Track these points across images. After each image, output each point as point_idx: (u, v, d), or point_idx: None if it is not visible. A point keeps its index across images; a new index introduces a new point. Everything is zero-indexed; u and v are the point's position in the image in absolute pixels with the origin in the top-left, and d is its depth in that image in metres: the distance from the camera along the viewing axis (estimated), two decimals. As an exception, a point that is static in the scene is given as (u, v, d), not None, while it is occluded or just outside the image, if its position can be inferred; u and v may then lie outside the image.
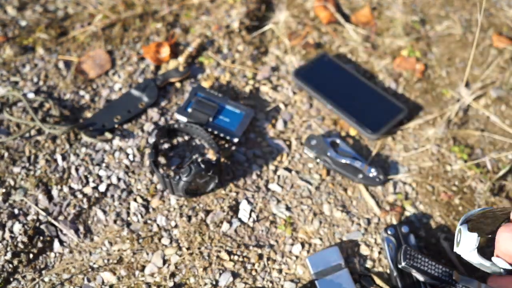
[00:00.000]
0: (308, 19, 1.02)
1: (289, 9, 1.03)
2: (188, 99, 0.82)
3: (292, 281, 0.66)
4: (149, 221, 0.71)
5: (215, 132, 0.78)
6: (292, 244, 0.69)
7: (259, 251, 0.69)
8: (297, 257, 0.68)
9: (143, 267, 0.67)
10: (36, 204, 0.72)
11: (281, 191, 0.75)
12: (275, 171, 0.77)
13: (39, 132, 0.80)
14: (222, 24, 0.98)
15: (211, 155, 0.78)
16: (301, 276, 0.66)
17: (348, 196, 0.75)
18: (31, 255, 0.67)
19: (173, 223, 0.71)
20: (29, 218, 0.70)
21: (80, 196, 0.73)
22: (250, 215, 0.72)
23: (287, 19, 1.00)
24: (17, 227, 0.69)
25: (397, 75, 0.93)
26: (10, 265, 0.66)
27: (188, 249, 0.68)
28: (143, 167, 0.76)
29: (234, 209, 0.73)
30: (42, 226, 0.69)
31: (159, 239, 0.69)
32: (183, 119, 0.80)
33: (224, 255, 0.68)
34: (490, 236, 0.46)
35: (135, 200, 0.73)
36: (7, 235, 0.68)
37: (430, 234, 0.71)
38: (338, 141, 0.79)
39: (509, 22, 1.04)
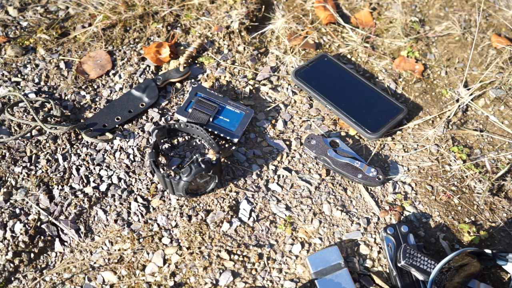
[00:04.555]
0: (308, 19, 1.02)
1: (289, 10, 1.03)
2: (188, 99, 0.82)
3: (292, 280, 0.66)
4: (149, 221, 0.71)
5: (215, 132, 0.79)
6: (292, 244, 0.70)
7: (259, 250, 0.69)
8: (297, 256, 0.69)
9: (144, 266, 0.67)
10: (37, 204, 0.72)
11: (281, 191, 0.75)
12: (275, 171, 0.77)
13: (40, 132, 0.80)
14: (222, 24, 0.98)
15: (211, 155, 0.78)
16: (301, 276, 0.67)
17: (347, 195, 0.75)
18: (32, 255, 0.67)
19: (173, 223, 0.71)
20: (30, 217, 0.70)
21: (81, 195, 0.73)
22: (250, 215, 0.72)
23: (287, 19, 1.00)
24: (18, 227, 0.69)
25: (397, 76, 0.93)
26: (11, 265, 0.66)
27: (188, 248, 0.69)
28: (144, 167, 0.77)
29: (234, 209, 0.73)
30: (43, 226, 0.70)
31: (160, 239, 0.69)
32: (183, 119, 0.80)
33: (224, 254, 0.68)
34: None
35: (135, 200, 0.73)
36: (8, 234, 0.68)
37: (429, 234, 0.71)
38: (337, 141, 0.79)
39: (508, 22, 1.04)
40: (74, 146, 0.79)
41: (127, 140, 0.80)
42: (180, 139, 0.81)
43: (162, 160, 0.77)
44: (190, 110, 0.80)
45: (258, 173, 0.77)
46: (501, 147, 0.83)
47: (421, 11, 1.08)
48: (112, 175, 0.76)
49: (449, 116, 0.86)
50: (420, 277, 0.64)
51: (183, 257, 0.68)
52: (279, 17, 1.02)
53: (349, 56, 0.96)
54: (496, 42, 0.99)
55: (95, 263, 0.67)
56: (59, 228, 0.70)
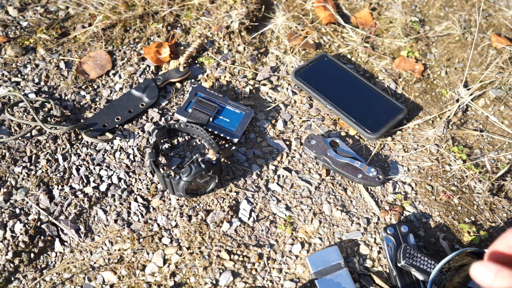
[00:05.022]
0: (307, 19, 1.02)
1: (289, 10, 1.03)
2: (188, 99, 0.82)
3: (292, 280, 0.66)
4: (149, 221, 0.71)
5: (215, 132, 0.79)
6: (292, 244, 0.70)
7: (259, 250, 0.69)
8: (297, 256, 0.69)
9: (144, 266, 0.67)
10: (37, 204, 0.72)
11: (281, 191, 0.75)
12: (275, 171, 0.77)
13: (40, 132, 0.80)
14: (222, 24, 0.98)
15: (211, 155, 0.78)
16: (301, 276, 0.67)
17: (347, 195, 0.75)
18: (32, 255, 0.67)
19: (173, 223, 0.71)
20: (30, 217, 0.70)
21: (81, 195, 0.73)
22: (250, 215, 0.72)
23: (287, 18, 1.00)
24: (18, 227, 0.69)
25: (397, 76, 0.93)
26: (12, 265, 0.66)
27: (188, 248, 0.69)
28: (144, 167, 0.77)
29: (234, 208, 0.73)
30: (43, 226, 0.70)
31: (160, 239, 0.69)
32: (183, 119, 0.80)
33: (224, 254, 0.68)
34: None
35: (135, 200, 0.73)
36: (8, 234, 0.68)
37: (429, 234, 0.71)
38: (337, 141, 0.79)
39: (508, 22, 1.04)
40: (74, 146, 0.79)
41: (127, 140, 0.80)
42: (180, 139, 0.81)
43: (162, 160, 0.77)
44: (190, 110, 0.80)
45: (258, 173, 0.77)
46: (501, 147, 0.83)
47: (421, 11, 1.08)
48: (112, 175, 0.76)
49: (449, 116, 0.86)
50: (420, 277, 0.64)
51: (183, 257, 0.68)
52: (279, 17, 1.02)
53: (349, 56, 0.96)
54: (496, 42, 0.99)
55: (95, 263, 0.67)
56: (59, 228, 0.70)
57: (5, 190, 0.73)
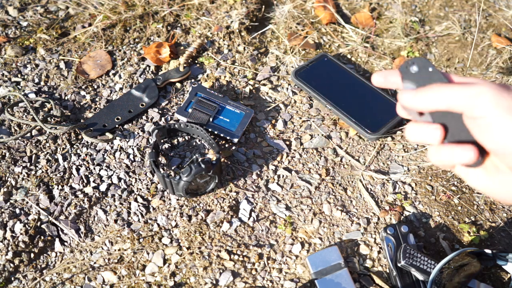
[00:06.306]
0: (308, 19, 1.03)
1: (289, 10, 1.03)
2: (189, 99, 0.82)
3: (292, 280, 0.66)
4: (149, 221, 0.71)
5: (215, 132, 0.79)
6: (292, 244, 0.70)
7: (259, 250, 0.69)
8: (297, 256, 0.69)
9: (144, 266, 0.67)
10: (37, 204, 0.72)
11: (281, 191, 0.75)
12: (275, 171, 0.77)
13: (40, 132, 0.80)
14: (222, 24, 0.98)
15: (211, 155, 0.78)
16: (301, 276, 0.67)
17: (347, 195, 0.75)
18: (32, 255, 0.67)
19: (173, 223, 0.71)
20: (30, 217, 0.70)
21: (81, 195, 0.73)
22: (250, 215, 0.72)
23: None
24: (18, 227, 0.69)
25: (397, 76, 0.93)
26: (12, 265, 0.66)
27: (188, 248, 0.69)
28: (144, 167, 0.77)
29: (234, 208, 0.73)
30: (43, 226, 0.70)
31: (160, 239, 0.69)
32: (183, 119, 0.80)
33: (224, 254, 0.68)
34: None
35: (135, 199, 0.73)
36: (8, 234, 0.68)
37: (429, 234, 0.71)
38: None
39: (508, 22, 1.04)
40: (74, 146, 0.79)
41: (127, 140, 0.80)
42: (180, 139, 0.81)
43: (162, 160, 0.77)
44: (190, 110, 0.80)
45: (258, 173, 0.77)
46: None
47: (421, 11, 1.08)
48: (112, 175, 0.76)
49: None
50: (420, 277, 0.64)
51: (183, 257, 0.68)
52: (279, 17, 1.02)
53: (349, 56, 0.96)
54: (496, 42, 0.99)
55: (95, 263, 0.67)
56: (59, 228, 0.70)
57: (5, 190, 0.73)
